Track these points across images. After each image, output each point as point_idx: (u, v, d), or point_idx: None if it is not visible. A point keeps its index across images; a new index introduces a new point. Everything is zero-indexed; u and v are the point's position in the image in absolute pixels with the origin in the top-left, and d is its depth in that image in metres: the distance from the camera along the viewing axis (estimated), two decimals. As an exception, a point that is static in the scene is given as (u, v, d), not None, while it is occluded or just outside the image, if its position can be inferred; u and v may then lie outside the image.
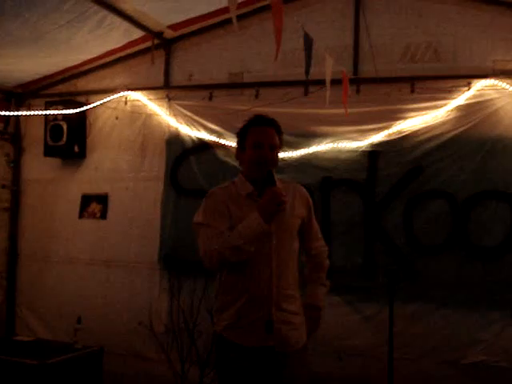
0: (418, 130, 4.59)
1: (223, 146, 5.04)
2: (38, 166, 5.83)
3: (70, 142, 5.47)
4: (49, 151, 5.58)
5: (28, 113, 5.70)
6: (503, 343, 4.35)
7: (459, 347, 4.44)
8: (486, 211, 4.44)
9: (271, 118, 3.00)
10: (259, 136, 2.92)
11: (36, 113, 5.61)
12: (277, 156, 2.94)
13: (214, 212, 2.88)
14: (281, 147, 3.00)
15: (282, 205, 2.73)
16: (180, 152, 5.20)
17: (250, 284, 2.86)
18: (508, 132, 4.41)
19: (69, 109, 5.43)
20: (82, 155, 5.59)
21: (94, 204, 5.55)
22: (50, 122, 5.52)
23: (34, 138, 5.77)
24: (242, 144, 2.98)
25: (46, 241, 5.74)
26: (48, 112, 5.51)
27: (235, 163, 4.89)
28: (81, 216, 5.60)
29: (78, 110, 5.45)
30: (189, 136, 5.17)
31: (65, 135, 5.45)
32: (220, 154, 5.07)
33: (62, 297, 5.59)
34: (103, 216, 5.51)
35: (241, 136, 2.99)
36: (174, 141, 5.24)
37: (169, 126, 5.26)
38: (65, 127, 5.45)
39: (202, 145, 5.15)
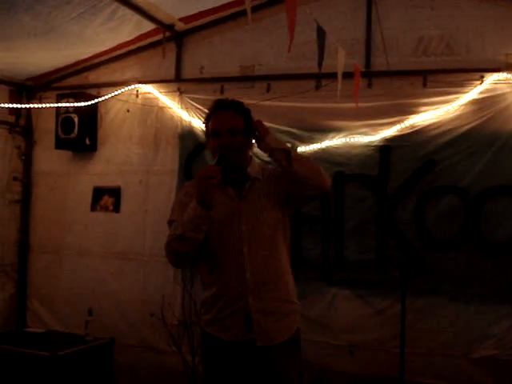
0: (431, 125, 4.55)
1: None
2: (49, 159, 5.84)
3: (82, 134, 5.47)
4: (60, 144, 5.59)
5: (39, 105, 5.70)
6: (514, 337, 4.35)
7: (470, 341, 4.43)
8: (498, 206, 4.41)
9: (232, 100, 2.91)
10: (216, 123, 2.82)
11: (47, 105, 5.62)
12: (238, 140, 2.80)
13: (180, 207, 2.82)
14: (250, 128, 2.85)
15: (209, 180, 2.58)
16: (193, 146, 5.16)
17: (223, 275, 2.80)
18: (520, 127, 4.38)
19: (80, 101, 5.42)
20: (93, 148, 5.60)
21: (107, 197, 5.55)
22: (61, 114, 5.52)
23: (46, 131, 5.77)
24: (207, 133, 2.91)
25: (58, 233, 5.75)
26: (59, 105, 5.51)
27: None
28: (93, 209, 5.61)
29: (89, 103, 5.45)
30: (202, 130, 5.12)
31: (76, 128, 5.45)
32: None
33: (74, 289, 5.62)
34: (116, 209, 5.52)
35: (205, 124, 2.92)
36: (187, 135, 5.22)
37: (181, 120, 5.25)
38: (76, 120, 5.45)
39: (215, 139, 5.14)
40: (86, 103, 5.44)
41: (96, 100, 5.49)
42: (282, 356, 2.80)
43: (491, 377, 4.38)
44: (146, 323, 5.22)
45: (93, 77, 5.69)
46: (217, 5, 4.94)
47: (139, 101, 5.44)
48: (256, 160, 3.08)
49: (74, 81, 5.74)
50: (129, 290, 5.40)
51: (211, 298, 2.85)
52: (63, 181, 5.78)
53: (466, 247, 4.46)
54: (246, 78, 5.13)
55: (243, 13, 4.58)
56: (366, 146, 4.70)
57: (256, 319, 2.77)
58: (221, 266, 2.82)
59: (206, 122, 2.90)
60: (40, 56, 5.22)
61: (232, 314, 2.79)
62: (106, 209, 5.56)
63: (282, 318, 2.83)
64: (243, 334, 2.78)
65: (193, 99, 5.21)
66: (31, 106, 5.76)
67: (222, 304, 2.81)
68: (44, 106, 5.66)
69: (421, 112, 4.58)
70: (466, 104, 4.50)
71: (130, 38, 5.24)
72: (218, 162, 2.68)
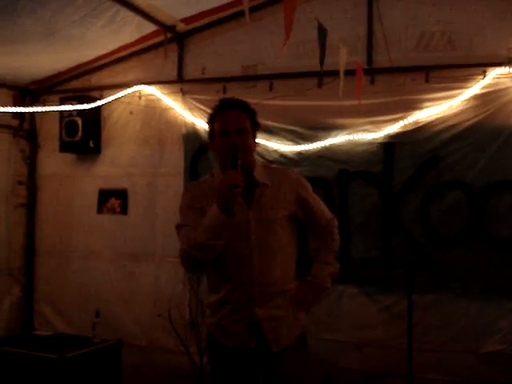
0: (434, 121, 4.54)
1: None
2: (53, 162, 5.86)
3: (85, 137, 5.49)
4: (64, 147, 5.61)
5: (43, 109, 5.72)
6: (520, 332, 4.34)
7: (477, 336, 4.43)
8: (503, 201, 4.40)
9: (238, 99, 2.84)
10: (224, 122, 2.72)
11: (51, 109, 5.63)
12: (248, 140, 2.73)
13: (188, 209, 2.77)
14: (256, 129, 2.81)
15: (234, 189, 2.47)
16: (198, 147, 5.15)
17: (231, 283, 2.75)
18: (524, 121, 4.36)
19: (83, 104, 5.44)
20: (97, 150, 5.62)
21: (113, 199, 5.57)
22: (64, 117, 5.54)
23: (50, 134, 5.79)
24: (211, 133, 2.81)
25: (64, 236, 5.77)
26: (62, 108, 5.53)
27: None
28: (99, 211, 5.63)
29: (92, 106, 5.46)
30: (205, 130, 5.12)
31: (80, 131, 5.47)
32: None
33: (81, 291, 5.63)
34: (124, 211, 5.54)
35: (210, 124, 2.82)
36: (192, 136, 5.22)
37: (185, 121, 5.25)
38: (80, 123, 5.47)
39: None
40: (89, 106, 5.46)
41: (99, 102, 5.51)
42: (288, 356, 2.79)
43: (498, 371, 4.37)
44: (155, 324, 5.24)
45: (95, 79, 5.70)
46: (217, 5, 4.94)
47: (142, 102, 5.45)
48: (259, 161, 3.06)
49: (76, 84, 5.75)
50: (137, 291, 5.43)
51: (217, 303, 2.82)
52: (68, 184, 5.80)
53: (471, 242, 4.45)
54: (248, 78, 5.13)
55: (244, 12, 4.58)
56: (370, 143, 4.70)
57: (265, 326, 2.74)
58: (229, 274, 2.77)
59: (211, 122, 2.81)
60: (42, 60, 5.23)
61: (236, 321, 2.76)
62: (113, 211, 5.58)
63: (286, 322, 2.81)
64: (246, 342, 2.76)
65: (195, 100, 5.21)
66: (35, 109, 5.78)
67: (227, 311, 2.78)
68: (47, 109, 5.67)
69: (424, 108, 4.57)
70: (468, 99, 4.49)
71: (132, 40, 5.25)
72: (232, 165, 2.56)
